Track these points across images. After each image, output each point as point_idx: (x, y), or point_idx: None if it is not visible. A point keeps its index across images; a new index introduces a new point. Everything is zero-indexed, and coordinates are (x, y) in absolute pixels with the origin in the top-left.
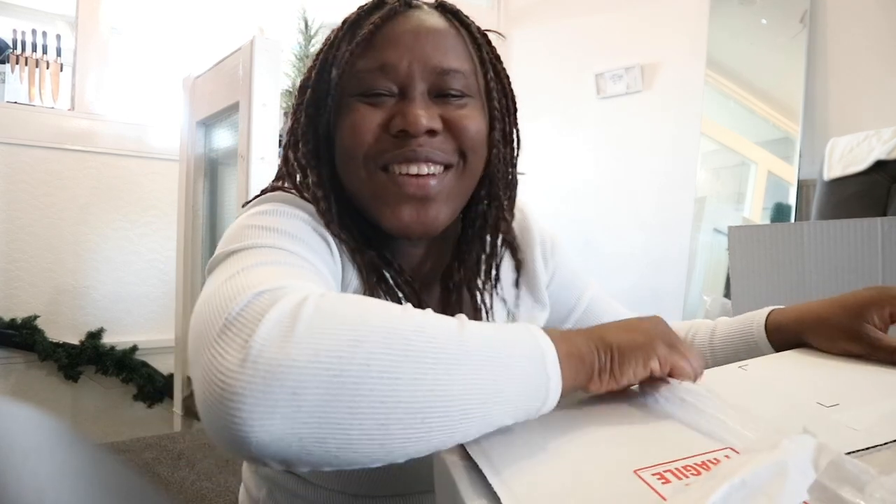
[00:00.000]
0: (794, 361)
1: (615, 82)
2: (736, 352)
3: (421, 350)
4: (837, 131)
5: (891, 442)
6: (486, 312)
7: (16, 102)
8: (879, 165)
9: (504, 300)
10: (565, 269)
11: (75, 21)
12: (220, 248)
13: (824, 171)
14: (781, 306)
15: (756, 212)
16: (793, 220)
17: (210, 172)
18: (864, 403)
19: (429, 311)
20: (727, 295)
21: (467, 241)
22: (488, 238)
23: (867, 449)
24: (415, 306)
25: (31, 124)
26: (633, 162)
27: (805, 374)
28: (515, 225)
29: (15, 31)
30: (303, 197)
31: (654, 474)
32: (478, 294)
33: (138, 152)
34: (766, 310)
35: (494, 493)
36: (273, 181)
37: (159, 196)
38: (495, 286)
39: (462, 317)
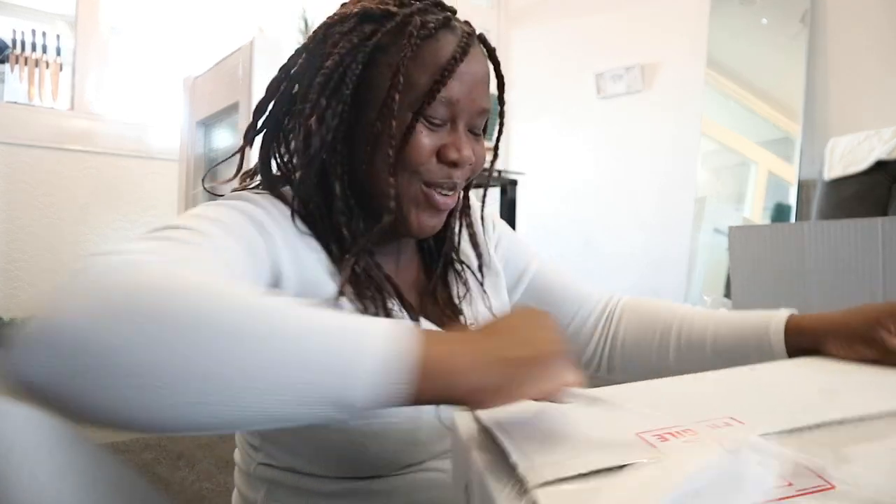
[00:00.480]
0: (812, 367)
1: (615, 82)
2: (745, 353)
3: (201, 312)
4: (838, 131)
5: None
6: (455, 282)
7: (15, 102)
8: (880, 165)
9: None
10: (510, 237)
11: (75, 21)
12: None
13: (824, 171)
14: (793, 310)
15: (756, 212)
16: (793, 220)
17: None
18: (866, 399)
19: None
20: (727, 295)
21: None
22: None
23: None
24: (396, 296)
25: (30, 124)
26: (633, 162)
27: (820, 378)
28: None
29: (14, 30)
30: (277, 195)
31: (655, 436)
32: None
33: (138, 152)
34: (783, 312)
35: (508, 461)
36: (244, 174)
37: (159, 196)
38: (459, 256)
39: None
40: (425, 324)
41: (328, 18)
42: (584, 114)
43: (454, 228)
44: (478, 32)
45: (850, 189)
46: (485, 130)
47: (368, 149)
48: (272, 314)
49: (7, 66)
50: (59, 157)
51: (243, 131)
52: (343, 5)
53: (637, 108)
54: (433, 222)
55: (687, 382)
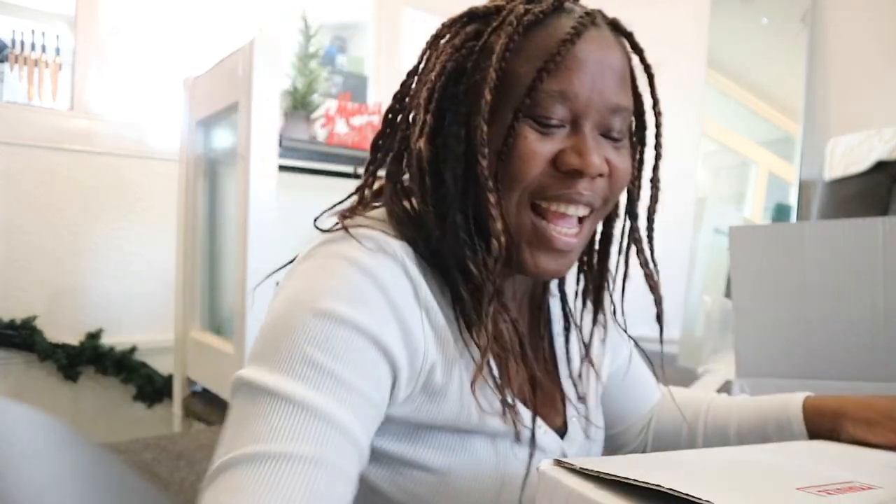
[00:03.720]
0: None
1: None
2: (767, 437)
3: None
4: (838, 131)
5: None
6: (564, 351)
7: (15, 102)
8: (880, 165)
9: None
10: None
11: (74, 21)
12: (262, 341)
13: (825, 171)
14: (810, 392)
15: (757, 212)
16: (793, 220)
17: (210, 172)
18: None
19: None
20: (728, 295)
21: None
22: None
23: None
24: (511, 345)
25: (30, 124)
26: None
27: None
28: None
29: (14, 30)
30: (401, 223)
31: (818, 491)
32: (562, 329)
33: (138, 152)
34: (800, 395)
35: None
36: (372, 197)
37: (159, 196)
38: (614, 313)
39: None
40: (539, 428)
41: (437, 29)
42: None
43: (596, 280)
44: (610, 18)
45: (850, 189)
46: (641, 142)
47: (472, 163)
48: None
49: (6, 66)
50: (59, 157)
51: (244, 132)
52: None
53: None
54: (554, 266)
55: (748, 452)
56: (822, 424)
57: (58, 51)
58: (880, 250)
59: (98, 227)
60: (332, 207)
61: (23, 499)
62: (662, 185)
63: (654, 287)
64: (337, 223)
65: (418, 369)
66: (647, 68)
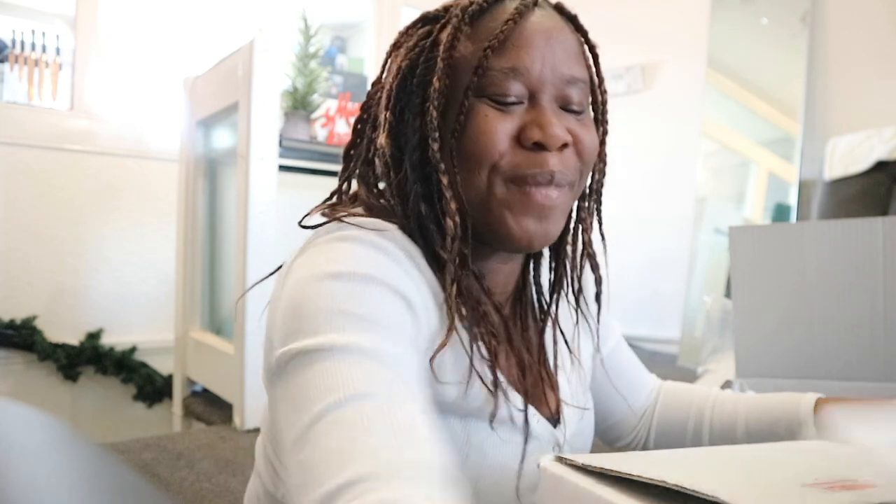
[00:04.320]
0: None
1: (615, 82)
2: (778, 436)
3: None
4: (838, 131)
5: None
6: (553, 322)
7: (15, 102)
8: (880, 165)
9: (583, 314)
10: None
11: (74, 21)
12: (288, 322)
13: (825, 171)
14: (820, 394)
15: (757, 212)
16: (793, 220)
17: (210, 172)
18: None
19: None
20: (728, 295)
21: (554, 254)
22: (569, 251)
23: None
24: (496, 328)
25: (30, 124)
26: (633, 162)
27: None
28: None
29: (14, 30)
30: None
31: (824, 487)
32: (546, 306)
33: (138, 152)
34: (811, 396)
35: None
36: (345, 194)
37: (159, 196)
38: (577, 298)
39: None
40: (532, 415)
41: (395, 38)
42: None
43: (567, 267)
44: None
45: (850, 189)
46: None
47: (426, 148)
48: None
49: (6, 66)
50: (59, 157)
51: (244, 132)
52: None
53: (637, 108)
54: (539, 227)
55: (750, 450)
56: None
57: (58, 51)
58: (880, 250)
59: (98, 227)
60: (307, 215)
61: (22, 498)
62: (662, 185)
63: (595, 267)
64: (326, 219)
65: (425, 327)
66: (592, 48)
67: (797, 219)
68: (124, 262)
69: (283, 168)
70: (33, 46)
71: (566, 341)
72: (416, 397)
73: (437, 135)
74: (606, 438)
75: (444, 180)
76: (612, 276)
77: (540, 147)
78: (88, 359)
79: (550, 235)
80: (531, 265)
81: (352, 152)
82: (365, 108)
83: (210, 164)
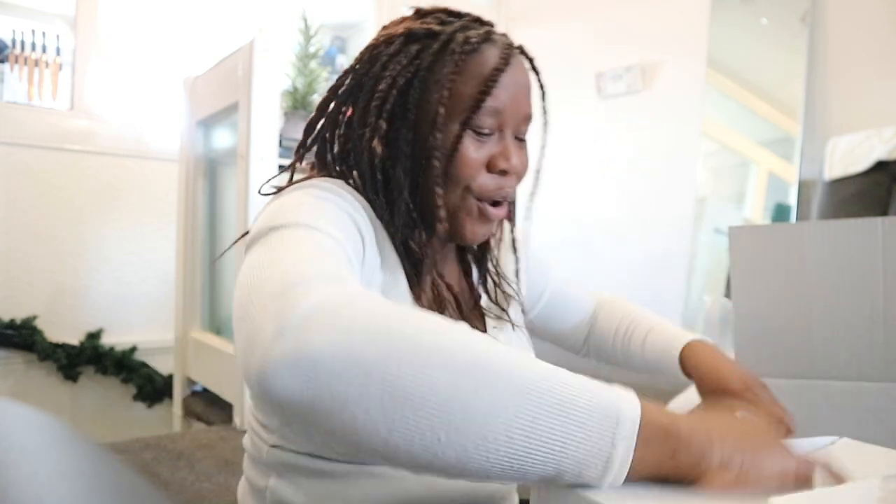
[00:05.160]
0: None
1: (615, 82)
2: (661, 369)
3: (461, 356)
4: (838, 131)
5: None
6: (483, 295)
7: (15, 102)
8: (880, 165)
9: (512, 288)
10: (531, 257)
11: (75, 21)
12: (263, 222)
13: (825, 171)
14: (702, 338)
15: (756, 212)
16: (793, 220)
17: (210, 172)
18: None
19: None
20: (727, 295)
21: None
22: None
23: None
24: (441, 299)
25: (30, 124)
26: (633, 162)
27: None
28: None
29: (14, 30)
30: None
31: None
32: (479, 278)
33: (138, 152)
34: (682, 342)
35: None
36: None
37: (159, 196)
38: (497, 273)
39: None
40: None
41: (373, 41)
42: (584, 114)
43: (498, 237)
44: (517, 44)
45: (850, 189)
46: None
47: (423, 164)
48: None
49: (6, 66)
50: (59, 157)
51: (244, 132)
52: (385, 28)
53: (637, 109)
54: (484, 231)
55: None
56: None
57: (58, 51)
58: (880, 250)
59: (98, 227)
60: (268, 182)
61: (22, 498)
62: (662, 185)
63: (516, 247)
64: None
65: (371, 256)
66: (542, 87)
67: (797, 219)
68: (124, 262)
69: (283, 168)
70: (33, 46)
71: (496, 284)
72: (348, 255)
73: (438, 154)
74: (564, 347)
75: (440, 192)
76: (612, 276)
77: (504, 173)
78: (88, 359)
79: (489, 236)
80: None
81: (317, 126)
82: (334, 89)
83: (210, 164)
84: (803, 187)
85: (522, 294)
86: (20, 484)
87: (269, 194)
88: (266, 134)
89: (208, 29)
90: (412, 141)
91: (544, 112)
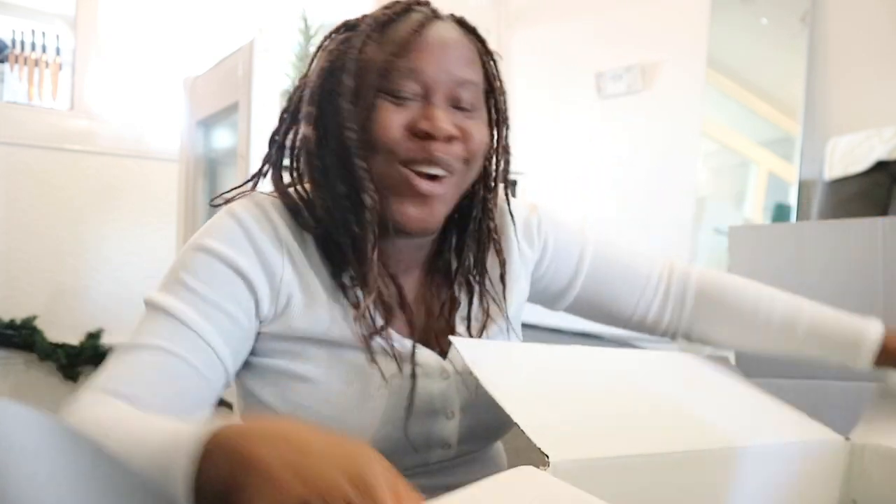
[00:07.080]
0: None
1: (615, 82)
2: (825, 355)
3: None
4: (838, 131)
5: None
6: (466, 301)
7: (15, 102)
8: (880, 165)
9: (492, 294)
10: (557, 237)
11: (75, 21)
12: (167, 272)
13: (825, 171)
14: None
15: (756, 212)
16: (793, 220)
17: (210, 172)
18: None
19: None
20: None
21: (457, 238)
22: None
23: None
24: (385, 295)
25: (30, 124)
26: (633, 162)
27: None
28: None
29: (14, 30)
30: (284, 195)
31: None
32: (457, 286)
33: (138, 152)
34: (876, 332)
35: None
36: (257, 175)
37: (159, 196)
38: (482, 279)
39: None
40: (421, 351)
41: (321, 41)
42: (584, 114)
43: (472, 248)
44: (448, 13)
45: (850, 189)
46: (499, 122)
47: (342, 137)
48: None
49: (6, 66)
50: (59, 157)
51: (244, 132)
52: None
53: (637, 109)
54: (418, 213)
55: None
56: (889, 364)
57: (58, 51)
58: (880, 250)
59: (98, 227)
60: (220, 195)
61: (22, 497)
62: (662, 185)
63: (499, 252)
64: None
65: (277, 290)
66: (490, 54)
67: (797, 219)
68: (124, 262)
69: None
70: (33, 46)
71: (479, 296)
72: (198, 368)
73: (351, 125)
74: (630, 326)
75: (360, 163)
76: None
77: (428, 136)
78: (88, 359)
79: (430, 224)
80: (450, 243)
81: (276, 137)
82: (289, 99)
83: (210, 164)
84: (803, 187)
85: (511, 298)
86: (20, 484)
87: (218, 205)
88: (266, 134)
89: (208, 29)
90: (336, 120)
91: (498, 80)
